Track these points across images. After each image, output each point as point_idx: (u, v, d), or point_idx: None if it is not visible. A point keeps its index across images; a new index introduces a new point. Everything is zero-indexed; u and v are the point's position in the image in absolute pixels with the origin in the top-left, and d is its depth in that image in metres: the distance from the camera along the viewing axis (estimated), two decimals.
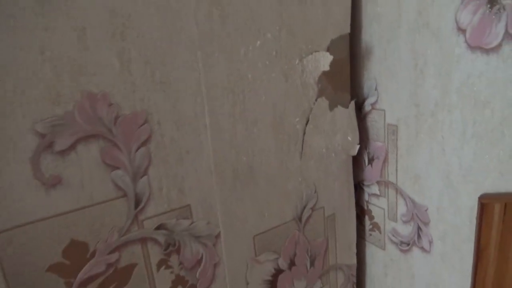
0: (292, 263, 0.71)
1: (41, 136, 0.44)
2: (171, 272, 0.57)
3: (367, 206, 0.80)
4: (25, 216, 0.45)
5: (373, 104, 0.72)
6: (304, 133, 0.67)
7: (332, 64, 0.67)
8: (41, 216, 0.46)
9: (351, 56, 0.72)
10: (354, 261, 0.81)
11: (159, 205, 0.53)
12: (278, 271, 0.69)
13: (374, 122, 0.73)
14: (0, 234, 0.44)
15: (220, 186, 0.59)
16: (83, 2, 0.44)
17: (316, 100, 0.67)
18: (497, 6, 0.50)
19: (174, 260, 0.57)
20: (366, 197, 0.80)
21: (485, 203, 0.55)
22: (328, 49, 0.66)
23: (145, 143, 0.50)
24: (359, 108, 0.75)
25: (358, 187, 0.80)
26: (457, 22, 0.55)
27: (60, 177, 0.46)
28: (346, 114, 0.71)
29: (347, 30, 0.68)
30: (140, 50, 0.48)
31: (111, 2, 0.46)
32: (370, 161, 0.76)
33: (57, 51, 0.44)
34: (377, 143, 0.73)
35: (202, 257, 0.59)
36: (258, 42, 0.58)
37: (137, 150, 0.50)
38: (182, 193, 0.55)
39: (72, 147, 0.46)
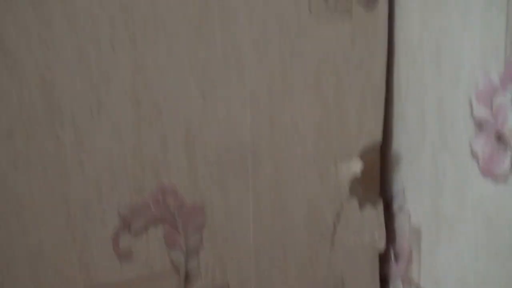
0: None
1: (122, 218, 0.57)
2: None
3: None
4: (99, 280, 0.57)
5: (400, 207, 0.80)
6: (334, 227, 0.76)
7: (363, 169, 0.77)
8: (112, 282, 0.58)
9: (382, 160, 0.82)
10: None
11: (204, 282, 0.64)
12: None
13: (401, 223, 0.80)
14: None
15: (257, 270, 0.68)
16: (166, 120, 0.59)
17: (347, 199, 0.76)
18: (504, 143, 0.58)
19: None
20: None
21: None
22: (360, 155, 0.77)
23: (199, 229, 0.62)
24: (387, 209, 0.83)
25: (384, 282, 0.86)
26: (471, 149, 0.64)
27: (132, 251, 0.58)
28: (374, 214, 0.80)
29: (379, 139, 0.79)
30: (204, 156, 0.61)
31: (188, 123, 0.60)
32: (396, 258, 0.82)
33: (144, 152, 0.58)
34: (402, 243, 0.80)
35: None
36: (300, 150, 0.70)
37: (193, 235, 0.61)
38: (224, 273, 0.65)
39: (145, 228, 0.58)
